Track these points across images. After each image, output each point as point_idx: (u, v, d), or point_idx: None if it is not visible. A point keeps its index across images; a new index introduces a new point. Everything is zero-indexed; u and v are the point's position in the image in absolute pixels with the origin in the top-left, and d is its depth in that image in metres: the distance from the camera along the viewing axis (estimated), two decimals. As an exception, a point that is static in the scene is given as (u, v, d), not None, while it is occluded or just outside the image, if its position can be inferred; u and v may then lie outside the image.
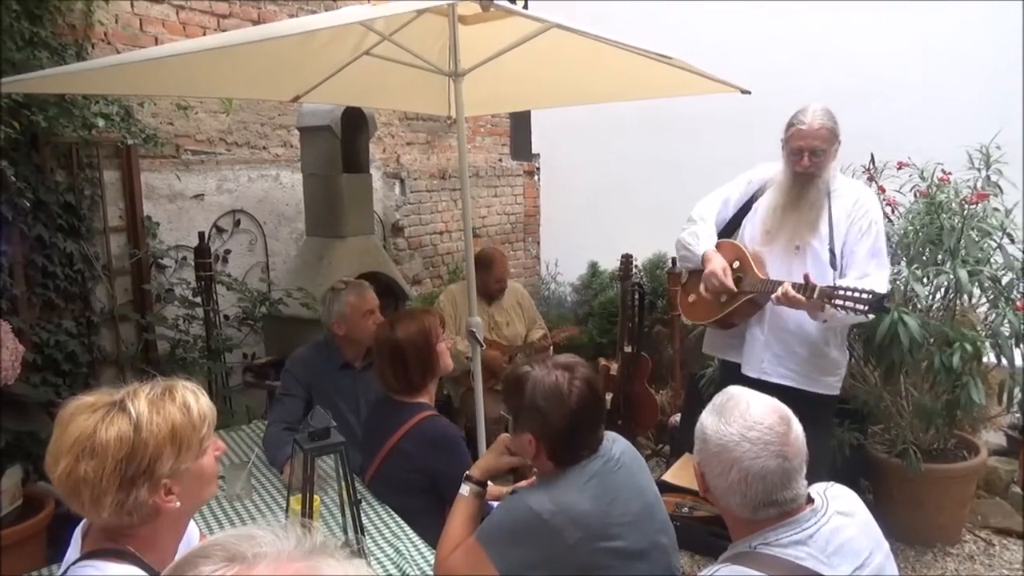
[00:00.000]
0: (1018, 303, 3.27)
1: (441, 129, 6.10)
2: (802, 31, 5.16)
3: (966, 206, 3.36)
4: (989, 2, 4.43)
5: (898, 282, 3.35)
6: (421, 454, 2.36)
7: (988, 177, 3.47)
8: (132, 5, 4.01)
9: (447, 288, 4.55)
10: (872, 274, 2.79)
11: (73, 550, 1.41)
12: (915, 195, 3.55)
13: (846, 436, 3.52)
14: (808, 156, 2.83)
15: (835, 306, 2.62)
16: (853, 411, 3.58)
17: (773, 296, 2.77)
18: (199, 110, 4.38)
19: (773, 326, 2.98)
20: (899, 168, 3.59)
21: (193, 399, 1.40)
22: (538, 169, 7.17)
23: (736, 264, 2.97)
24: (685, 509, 3.49)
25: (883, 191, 3.55)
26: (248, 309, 4.36)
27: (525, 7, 3.83)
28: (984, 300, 3.42)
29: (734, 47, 4.98)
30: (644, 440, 4.69)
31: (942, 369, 3.20)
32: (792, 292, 2.70)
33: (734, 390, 1.57)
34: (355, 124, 4.55)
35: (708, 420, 1.53)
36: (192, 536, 1.58)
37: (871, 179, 3.62)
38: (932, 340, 3.28)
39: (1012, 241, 3.38)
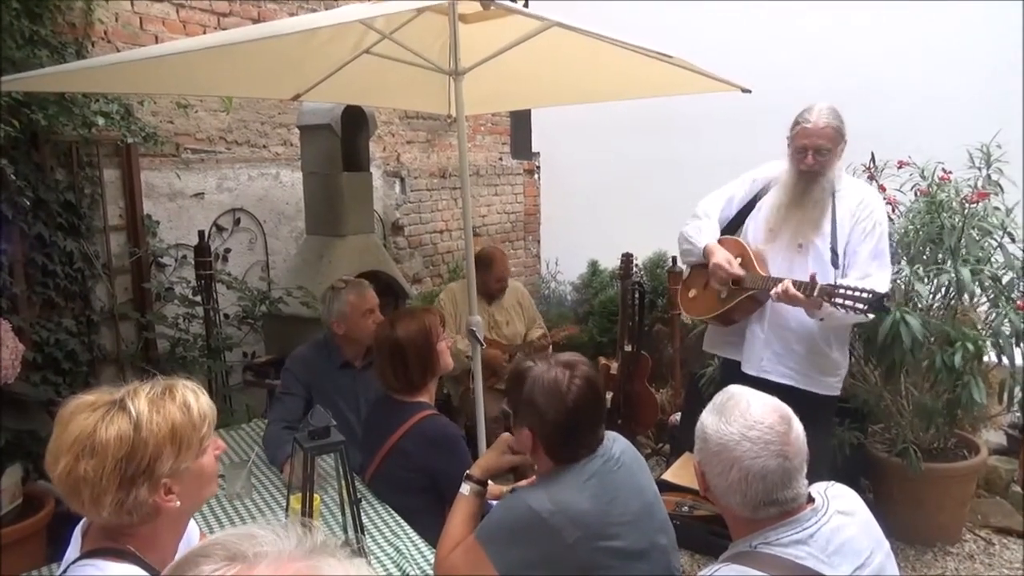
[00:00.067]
0: (1018, 302, 3.27)
1: (441, 128, 6.10)
2: (802, 31, 5.15)
3: (967, 205, 3.36)
4: (989, 2, 4.43)
5: (899, 281, 3.35)
6: (421, 453, 2.36)
7: (989, 176, 3.47)
8: (132, 4, 4.01)
9: (447, 287, 4.55)
10: (874, 275, 2.79)
11: (73, 549, 1.41)
12: (916, 194, 3.55)
13: (846, 435, 3.52)
14: (813, 154, 2.83)
15: (835, 305, 2.62)
16: (853, 410, 3.58)
17: (773, 293, 2.77)
18: (199, 108, 4.38)
19: (773, 324, 2.98)
20: (899, 167, 3.59)
21: (193, 398, 1.40)
22: (538, 168, 7.17)
23: (738, 260, 2.97)
24: (685, 508, 3.49)
25: (883, 190, 3.55)
26: (248, 308, 4.36)
27: (525, 6, 3.83)
28: (984, 299, 3.42)
29: (734, 47, 4.98)
30: (644, 439, 4.69)
31: (943, 368, 3.20)
32: (792, 290, 2.71)
33: (734, 389, 1.57)
34: (355, 123, 4.55)
35: (708, 419, 1.52)
36: (192, 535, 1.58)
37: (871, 178, 3.62)
38: (933, 339, 3.28)
39: (1013, 240, 3.38)
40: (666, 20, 5.51)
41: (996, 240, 3.39)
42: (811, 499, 1.51)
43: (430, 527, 2.13)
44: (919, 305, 3.37)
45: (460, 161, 2.88)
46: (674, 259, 4.91)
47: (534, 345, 4.34)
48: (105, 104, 3.67)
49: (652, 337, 5.25)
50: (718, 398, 1.56)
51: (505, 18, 2.80)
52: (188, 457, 1.37)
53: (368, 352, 2.98)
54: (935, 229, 3.38)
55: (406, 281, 5.12)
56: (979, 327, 3.44)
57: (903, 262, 3.41)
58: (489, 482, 2.08)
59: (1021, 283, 3.37)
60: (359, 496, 2.13)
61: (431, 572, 1.97)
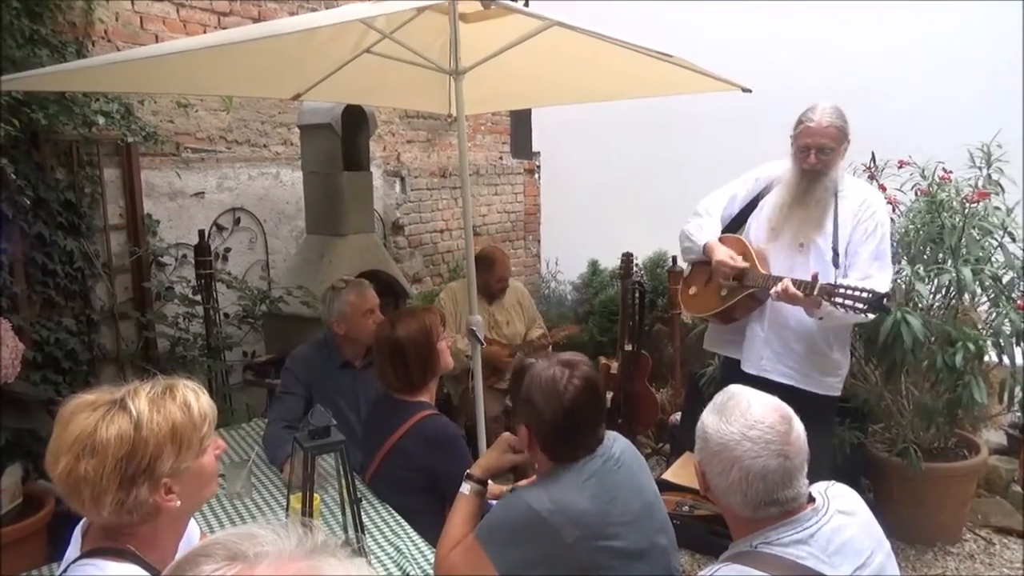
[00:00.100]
0: (1019, 302, 3.27)
1: (441, 127, 6.10)
2: (802, 31, 5.15)
3: (967, 204, 3.36)
4: (989, 2, 4.43)
5: (899, 281, 3.34)
6: (421, 453, 2.36)
7: (989, 176, 3.46)
8: (132, 3, 4.01)
9: (447, 286, 4.55)
10: (875, 275, 2.79)
11: (73, 549, 1.40)
12: (916, 194, 3.55)
13: (847, 435, 3.52)
14: (815, 154, 2.83)
15: (835, 304, 2.62)
16: (854, 410, 3.58)
17: (772, 292, 2.77)
18: (199, 108, 4.38)
19: (773, 323, 2.98)
20: (900, 167, 3.59)
21: (194, 398, 1.40)
22: (538, 167, 7.17)
23: (740, 258, 2.97)
24: (686, 508, 3.50)
25: (884, 189, 3.54)
26: (248, 307, 4.36)
27: (526, 5, 3.83)
28: (985, 299, 3.42)
29: (734, 47, 4.98)
30: (644, 439, 4.69)
31: (944, 368, 3.20)
32: (792, 288, 2.71)
33: (735, 389, 1.57)
34: (355, 122, 4.55)
35: (709, 419, 1.52)
36: (192, 535, 1.58)
37: (872, 177, 3.62)
38: (934, 339, 3.28)
39: (1013, 240, 3.38)
40: (666, 20, 5.51)
41: (996, 240, 3.39)
42: (812, 499, 1.51)
43: (430, 527, 2.13)
44: (919, 305, 3.37)
45: (460, 160, 2.88)
46: (674, 258, 4.91)
47: (534, 344, 4.34)
48: (105, 103, 3.67)
49: (652, 337, 5.25)
50: (718, 398, 1.56)
51: (505, 17, 2.80)
52: (188, 457, 1.36)
53: (368, 352, 2.98)
54: (935, 229, 3.38)
55: (406, 281, 5.12)
56: (979, 327, 3.44)
57: (903, 261, 3.41)
58: (489, 481, 2.08)
59: (1021, 283, 3.37)
60: (359, 496, 2.13)
61: (431, 572, 1.97)
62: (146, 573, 1.33)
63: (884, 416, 3.69)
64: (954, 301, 3.43)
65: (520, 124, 6.91)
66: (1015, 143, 3.60)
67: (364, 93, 3.79)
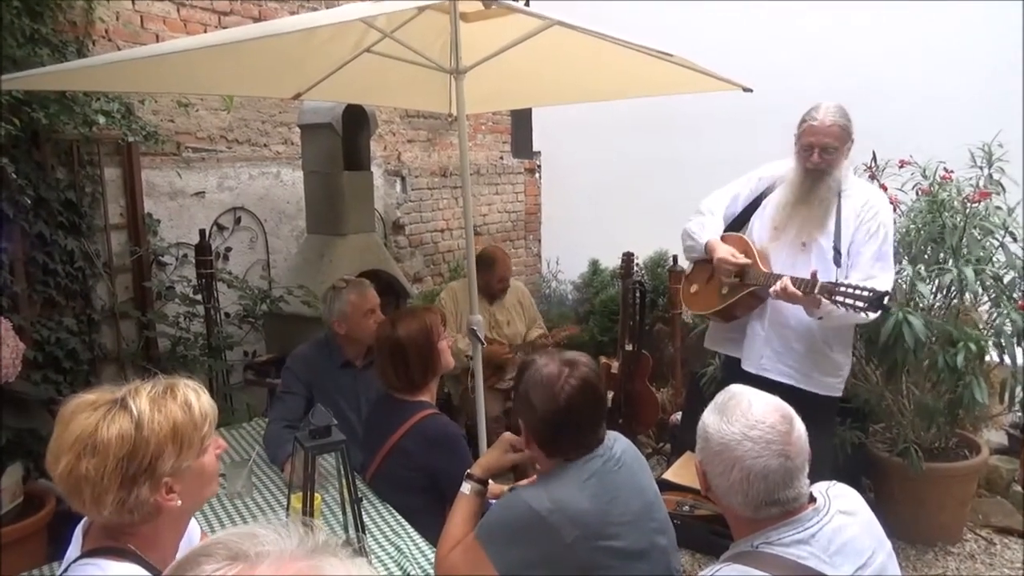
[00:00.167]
0: (1020, 302, 3.27)
1: (442, 126, 6.10)
2: (802, 31, 5.15)
3: (968, 204, 3.36)
4: (989, 2, 4.42)
5: (900, 281, 3.34)
6: (422, 452, 2.36)
7: (990, 175, 3.46)
8: (133, 2, 4.01)
9: (448, 285, 4.55)
10: (877, 276, 2.78)
11: (74, 548, 1.40)
12: (917, 193, 3.54)
13: (848, 435, 3.52)
14: (819, 152, 2.83)
15: (836, 303, 2.62)
16: (854, 410, 3.58)
17: (771, 289, 2.77)
18: (200, 107, 4.38)
19: (774, 322, 2.98)
20: (901, 166, 3.59)
21: (194, 397, 1.39)
22: (539, 167, 7.17)
23: (741, 256, 2.97)
24: (686, 507, 3.50)
25: (885, 189, 3.54)
26: (249, 307, 4.36)
27: (527, 4, 3.83)
28: (986, 299, 3.42)
29: (734, 47, 4.98)
30: (645, 438, 4.69)
31: (946, 368, 3.20)
32: (791, 287, 2.71)
33: (736, 389, 1.57)
34: (356, 121, 4.55)
35: (710, 419, 1.52)
36: (193, 534, 1.58)
37: (872, 177, 3.61)
38: (935, 339, 3.28)
39: (1014, 239, 3.38)
40: (666, 20, 5.51)
41: (998, 239, 3.39)
42: (813, 499, 1.51)
43: (431, 526, 2.13)
44: (920, 305, 3.37)
45: (461, 160, 2.87)
46: (675, 258, 4.91)
47: (535, 344, 4.34)
48: (106, 103, 3.67)
49: (653, 336, 5.25)
50: (719, 397, 1.56)
51: (506, 17, 2.80)
52: (189, 456, 1.36)
53: (369, 351, 2.98)
54: (936, 228, 3.38)
55: (407, 280, 5.12)
56: (980, 327, 3.44)
57: (904, 261, 3.41)
58: (490, 481, 2.07)
59: (1022, 283, 3.37)
60: (360, 495, 2.13)
61: (432, 571, 1.97)
62: (147, 573, 1.33)
63: (885, 416, 3.69)
64: (955, 301, 3.43)
65: (521, 123, 6.91)
66: (1016, 143, 3.60)
67: (365, 92, 3.78)
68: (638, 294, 4.62)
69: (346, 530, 2.07)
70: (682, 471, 3.70)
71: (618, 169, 6.20)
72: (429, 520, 2.22)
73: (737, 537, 1.53)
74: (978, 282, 3.24)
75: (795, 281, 2.72)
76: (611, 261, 6.00)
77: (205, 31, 4.31)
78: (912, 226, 3.46)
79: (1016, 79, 4.30)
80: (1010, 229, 3.36)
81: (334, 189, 4.43)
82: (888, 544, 1.55)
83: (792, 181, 2.95)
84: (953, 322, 3.34)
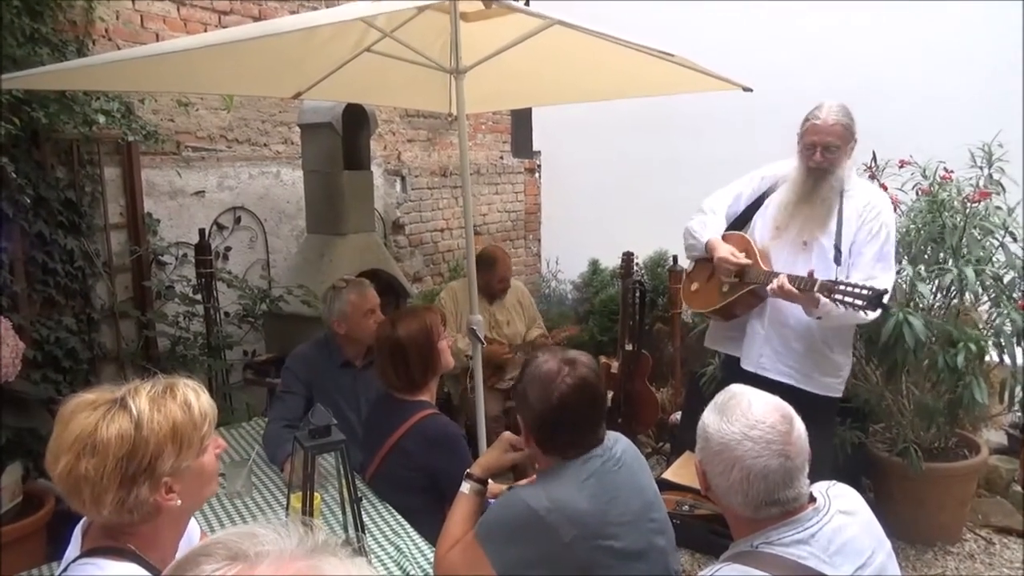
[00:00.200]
0: (1020, 302, 3.27)
1: (442, 126, 6.10)
2: (802, 31, 5.15)
3: (968, 204, 3.36)
4: (989, 2, 4.42)
5: (901, 282, 3.34)
6: (422, 452, 2.36)
7: (990, 175, 3.46)
8: (133, 2, 4.01)
9: (448, 285, 4.55)
10: (878, 277, 2.78)
11: (73, 548, 1.40)
12: (917, 193, 3.54)
13: (847, 435, 3.52)
14: (821, 151, 2.83)
15: (834, 300, 2.61)
16: (854, 410, 3.58)
17: (769, 287, 2.77)
18: (200, 107, 4.37)
19: (773, 321, 2.98)
20: (901, 166, 3.59)
21: (194, 397, 1.39)
22: (539, 166, 7.17)
23: (742, 255, 2.97)
24: (686, 507, 3.49)
25: (885, 189, 3.54)
26: (248, 306, 4.36)
27: (527, 4, 3.82)
28: (986, 299, 3.42)
29: (734, 47, 4.98)
30: (645, 438, 4.69)
31: (946, 369, 3.20)
32: (787, 284, 2.71)
33: (736, 388, 1.57)
34: (356, 121, 4.55)
35: (710, 419, 1.52)
36: (193, 534, 1.58)
37: (872, 177, 3.61)
38: (935, 340, 3.28)
39: (1014, 239, 3.37)
40: (666, 20, 5.51)
41: (997, 239, 3.38)
42: (812, 499, 1.51)
43: (431, 526, 2.13)
44: (919, 305, 3.37)
45: (461, 159, 2.87)
46: (675, 258, 4.91)
47: (535, 344, 4.34)
48: (106, 102, 3.67)
49: (653, 336, 5.25)
50: (719, 397, 1.56)
51: (506, 16, 2.80)
52: (189, 456, 1.36)
53: (369, 351, 2.98)
54: (936, 228, 3.38)
55: (407, 280, 5.12)
56: (980, 327, 3.44)
57: (904, 261, 3.41)
58: (490, 481, 2.07)
59: (1022, 283, 3.37)
60: (359, 495, 2.13)
61: (431, 571, 1.97)
62: (146, 572, 1.33)
63: (885, 416, 3.69)
64: (955, 301, 3.43)
65: (521, 123, 6.91)
66: (1016, 143, 3.60)
67: (365, 92, 3.78)
68: (638, 294, 4.62)
69: (346, 530, 2.07)
70: (682, 471, 3.70)
71: (618, 169, 6.20)
72: (429, 520, 2.22)
73: (737, 537, 1.53)
74: (978, 282, 3.24)
75: (792, 279, 2.72)
76: (611, 261, 6.00)
77: (205, 30, 4.31)
78: (912, 226, 3.46)
79: (1016, 79, 4.30)
80: (1010, 229, 3.36)
81: (334, 189, 4.43)
82: (888, 544, 1.55)
83: (795, 180, 2.95)
84: (953, 322, 3.33)
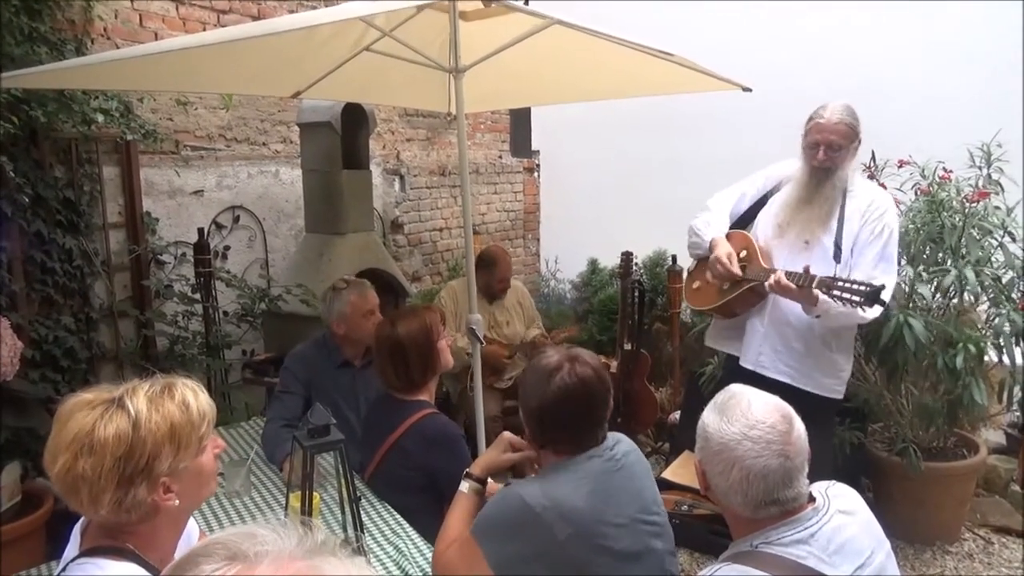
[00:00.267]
0: (1020, 302, 3.27)
1: (441, 125, 6.09)
2: (802, 31, 5.15)
3: (967, 204, 3.35)
4: (989, 2, 4.42)
5: (901, 282, 3.34)
6: (421, 452, 2.36)
7: (989, 175, 3.46)
8: (132, 1, 4.00)
9: (448, 284, 4.55)
10: (879, 278, 2.78)
11: (72, 547, 1.40)
12: (916, 193, 3.54)
13: (847, 435, 3.52)
14: (824, 150, 2.83)
15: (833, 297, 2.61)
16: (854, 410, 3.58)
17: (766, 283, 2.77)
18: (199, 106, 4.37)
19: (774, 319, 2.98)
20: (900, 166, 3.59)
21: (192, 397, 1.39)
22: (538, 166, 7.17)
23: (743, 253, 2.98)
24: (685, 507, 3.49)
25: (884, 188, 3.54)
26: (247, 305, 4.35)
27: (526, 3, 3.82)
28: (985, 299, 3.42)
29: (734, 47, 4.97)
30: (644, 438, 4.69)
31: (945, 370, 3.20)
32: (784, 280, 2.71)
33: (736, 388, 1.56)
34: (355, 120, 4.54)
35: (710, 418, 1.52)
36: (192, 534, 1.58)
37: (871, 177, 3.61)
38: (934, 341, 3.28)
39: (1013, 239, 3.38)
40: (666, 20, 5.50)
41: (996, 239, 3.38)
42: (812, 498, 1.51)
43: (430, 526, 2.12)
44: (918, 305, 3.37)
45: (460, 159, 2.87)
46: (674, 257, 4.91)
47: (535, 344, 4.33)
48: (104, 101, 3.66)
49: (651, 336, 5.25)
50: (719, 397, 1.56)
51: (505, 16, 2.80)
52: (187, 456, 1.36)
53: (368, 351, 2.98)
54: (936, 228, 3.38)
55: (406, 279, 5.12)
56: (979, 327, 3.44)
57: (903, 261, 3.41)
58: (489, 480, 2.07)
59: (1021, 283, 3.37)
60: (359, 494, 2.13)
61: (431, 571, 1.97)
62: (146, 572, 1.33)
63: (884, 416, 3.69)
64: (955, 301, 3.43)
65: (520, 123, 6.91)
66: (1015, 143, 3.60)
67: (364, 91, 3.78)
68: (637, 293, 4.62)
69: (345, 529, 2.07)
70: (681, 470, 3.69)
71: (617, 168, 6.20)
72: (428, 519, 2.22)
73: (736, 537, 1.53)
74: (978, 283, 3.24)
75: (790, 275, 2.72)
76: (610, 260, 6.00)
77: (204, 29, 4.31)
78: (911, 226, 3.46)
79: (1016, 79, 4.30)
80: (1009, 229, 3.36)
81: (333, 188, 4.43)
82: (887, 544, 1.55)
83: (798, 180, 2.95)
84: (952, 323, 3.33)
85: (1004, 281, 3.35)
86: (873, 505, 1.63)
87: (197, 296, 4.13)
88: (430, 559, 2.00)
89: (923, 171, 3.52)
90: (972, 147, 3.47)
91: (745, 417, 1.46)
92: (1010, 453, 4.11)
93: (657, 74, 3.14)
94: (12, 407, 3.08)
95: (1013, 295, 3.33)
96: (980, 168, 3.47)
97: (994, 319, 3.36)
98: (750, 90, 3.21)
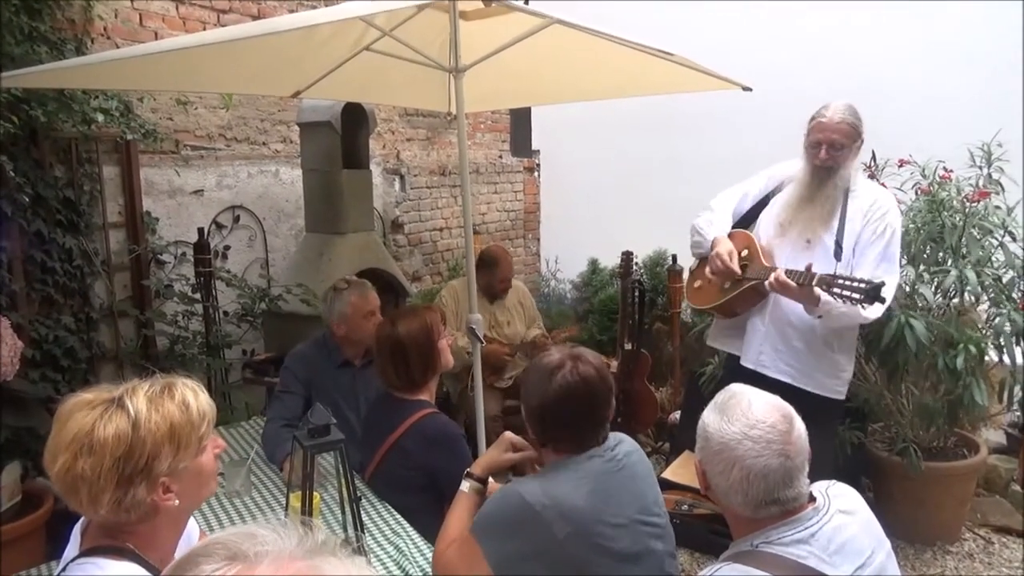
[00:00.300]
0: (1020, 302, 3.27)
1: (441, 125, 6.09)
2: (802, 31, 5.15)
3: (967, 204, 3.35)
4: (989, 2, 4.42)
5: (902, 283, 3.33)
6: (421, 452, 2.35)
7: (989, 175, 3.46)
8: (132, 0, 4.00)
9: (449, 284, 4.54)
10: (880, 278, 2.77)
11: (72, 547, 1.40)
12: (916, 193, 3.54)
13: (847, 434, 3.52)
14: (826, 149, 2.83)
15: (833, 294, 2.61)
16: (854, 410, 3.58)
17: (766, 281, 2.77)
18: (199, 105, 4.37)
19: (775, 318, 2.98)
20: (900, 166, 3.59)
21: (192, 396, 1.39)
22: (538, 166, 7.17)
23: (745, 252, 2.98)
24: (685, 507, 3.49)
25: (884, 188, 3.54)
26: (247, 305, 4.35)
27: (526, 3, 3.82)
28: (986, 299, 3.42)
29: (734, 47, 4.97)
30: (644, 438, 4.69)
31: (946, 370, 3.20)
32: (783, 278, 2.71)
33: (736, 388, 1.56)
34: (355, 120, 4.54)
35: (710, 418, 1.52)
36: (192, 533, 1.58)
37: (872, 176, 3.61)
38: (934, 341, 3.28)
39: (1013, 239, 3.37)
40: (666, 19, 5.50)
41: (997, 239, 3.38)
42: (812, 498, 1.51)
43: (430, 525, 2.12)
44: (919, 305, 3.37)
45: (460, 159, 2.87)
46: (674, 257, 4.91)
47: (535, 343, 4.33)
48: (104, 101, 3.66)
49: (652, 335, 5.25)
50: (719, 397, 1.56)
51: (506, 15, 2.79)
52: (187, 456, 1.36)
53: (368, 351, 2.97)
54: (936, 228, 3.38)
55: (406, 279, 5.12)
56: (980, 327, 3.44)
57: (903, 261, 3.41)
58: (489, 480, 2.07)
59: (1021, 282, 3.37)
60: (359, 494, 2.13)
61: (431, 570, 1.97)
62: (146, 572, 1.33)
63: (884, 416, 3.69)
64: (955, 301, 3.43)
65: (520, 122, 6.91)
66: (1015, 142, 3.60)
67: (364, 91, 3.78)
68: (637, 293, 4.62)
69: (345, 529, 2.06)
70: (681, 470, 3.69)
71: (617, 168, 6.20)
72: (428, 519, 2.21)
73: (736, 536, 1.53)
74: (979, 283, 3.24)
75: (790, 273, 2.72)
76: (610, 260, 6.00)
77: (204, 29, 4.30)
78: (912, 225, 3.46)
79: (1016, 79, 4.30)
80: (1009, 229, 3.36)
81: (333, 188, 4.43)
82: (887, 543, 1.55)
83: (800, 179, 2.95)
84: (953, 323, 3.33)
85: (1004, 281, 3.35)
86: (873, 505, 1.63)
87: (197, 296, 4.13)
88: (430, 559, 2.00)
89: (923, 171, 3.52)
90: (972, 147, 3.47)
91: (745, 417, 1.46)
92: (1010, 453, 4.11)
93: (657, 74, 3.14)
94: (12, 407, 3.08)
95: (1014, 295, 3.32)
96: (980, 168, 3.47)
97: (995, 319, 3.35)
98: (750, 90, 3.21)
